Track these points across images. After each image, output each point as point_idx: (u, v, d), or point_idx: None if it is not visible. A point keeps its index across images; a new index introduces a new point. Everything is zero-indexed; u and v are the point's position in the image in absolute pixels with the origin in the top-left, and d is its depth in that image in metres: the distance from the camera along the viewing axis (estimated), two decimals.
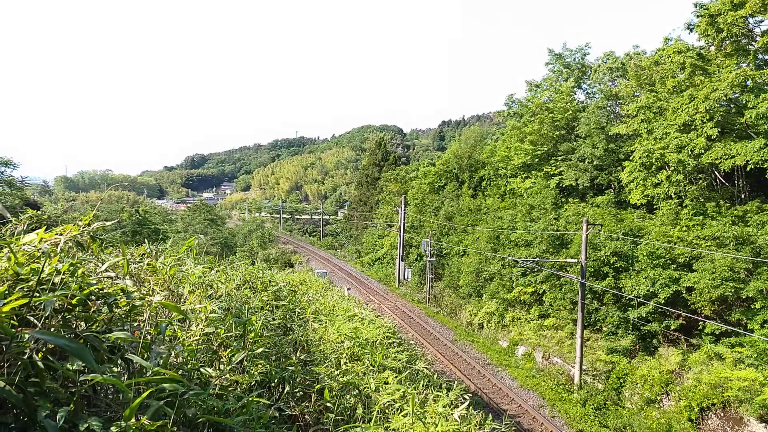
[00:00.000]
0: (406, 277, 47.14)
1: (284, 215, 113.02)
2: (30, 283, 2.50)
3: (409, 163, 77.38)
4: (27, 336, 2.15)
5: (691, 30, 24.57)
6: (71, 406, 2.13)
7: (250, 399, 3.47)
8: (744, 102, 22.54)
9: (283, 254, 61.15)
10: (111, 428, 2.12)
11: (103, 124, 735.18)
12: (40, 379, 2.14)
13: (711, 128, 22.34)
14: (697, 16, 24.05)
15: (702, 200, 24.20)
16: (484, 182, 45.38)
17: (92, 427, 2.02)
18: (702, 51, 24.77)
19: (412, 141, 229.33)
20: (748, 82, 22.29)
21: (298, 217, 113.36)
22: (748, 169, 22.23)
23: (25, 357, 2.13)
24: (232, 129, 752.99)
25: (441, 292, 40.02)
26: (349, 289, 38.39)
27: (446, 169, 50.23)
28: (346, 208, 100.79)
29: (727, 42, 22.78)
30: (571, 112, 35.48)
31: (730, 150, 21.96)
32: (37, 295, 2.39)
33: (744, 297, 19.96)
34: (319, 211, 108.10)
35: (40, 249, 2.94)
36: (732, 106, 23.30)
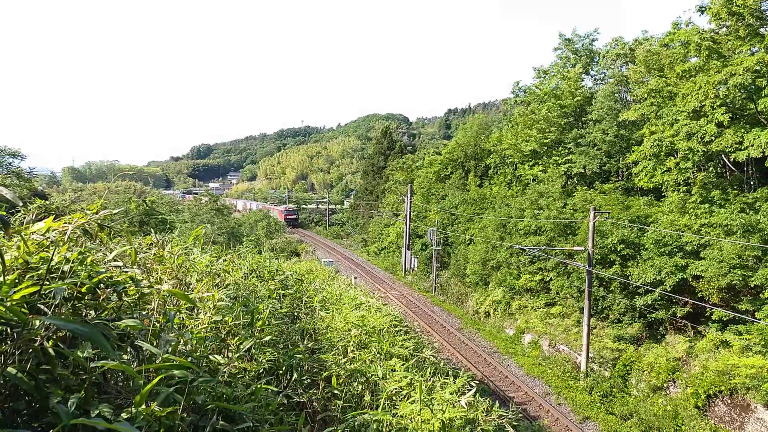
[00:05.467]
0: (412, 265, 47.21)
1: (290, 204, 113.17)
2: (40, 272, 2.52)
3: (415, 152, 77.03)
4: (38, 323, 2.17)
5: (702, 12, 24.09)
6: (82, 392, 2.15)
7: (259, 386, 3.50)
8: (755, 87, 22.16)
9: (289, 244, 61.31)
10: (122, 414, 2.14)
11: (110, 115, 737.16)
12: (51, 366, 2.16)
13: (722, 114, 22.01)
14: None
15: (710, 187, 23.95)
16: (491, 170, 45.17)
17: (103, 413, 2.04)
18: (713, 35, 24.32)
19: (418, 129, 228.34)
20: (759, 68, 21.86)
21: (304, 206, 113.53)
22: (766, 164, 21.90)
23: (37, 344, 2.15)
24: (238, 119, 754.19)
25: (447, 281, 40.08)
26: (355, 278, 38.51)
27: (452, 158, 50.02)
28: (352, 197, 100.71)
29: (740, 25, 22.31)
30: (579, 98, 35.15)
31: (741, 138, 21.64)
32: (47, 283, 2.40)
33: (752, 285, 19.84)
34: (325, 200, 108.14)
35: (49, 238, 2.95)
36: (743, 91, 22.92)
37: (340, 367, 5.36)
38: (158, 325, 2.99)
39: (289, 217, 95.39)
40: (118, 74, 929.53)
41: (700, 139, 23.07)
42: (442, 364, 8.85)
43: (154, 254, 4.88)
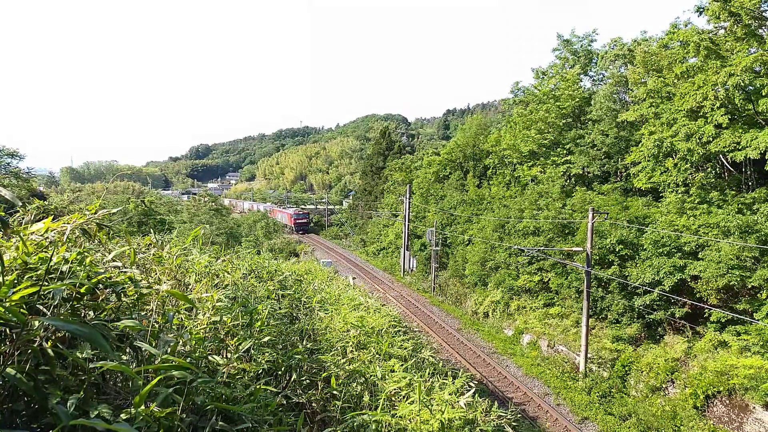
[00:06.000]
0: (411, 266, 47.21)
1: (289, 205, 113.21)
2: (39, 272, 2.51)
3: (414, 153, 77.04)
4: (37, 324, 2.16)
5: (701, 13, 24.13)
6: (81, 393, 2.15)
7: (258, 387, 3.50)
8: (754, 88, 22.19)
9: (288, 244, 61.33)
10: (121, 415, 2.14)
11: (108, 116, 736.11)
12: (50, 367, 2.16)
13: (721, 116, 22.03)
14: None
15: (709, 188, 23.99)
16: (489, 171, 45.19)
17: (102, 413, 2.04)
18: (712, 36, 24.38)
19: (417, 130, 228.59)
20: (758, 68, 21.90)
21: (303, 207, 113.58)
22: (767, 167, 21.91)
23: (36, 345, 2.14)
24: (236, 119, 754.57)
25: (446, 282, 40.09)
26: (354, 278, 38.50)
27: (451, 159, 50.04)
28: (351, 197, 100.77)
29: (738, 26, 22.35)
30: (577, 99, 35.19)
31: (739, 138, 21.68)
32: (46, 283, 2.40)
33: (750, 286, 19.87)
34: (323, 200, 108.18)
35: (48, 238, 2.95)
36: (741, 92, 22.97)
37: (339, 367, 5.36)
38: (157, 325, 2.99)
39: (300, 221, 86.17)
40: (116, 74, 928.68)
41: (698, 140, 23.10)
42: (440, 364, 8.86)
43: (153, 255, 4.88)
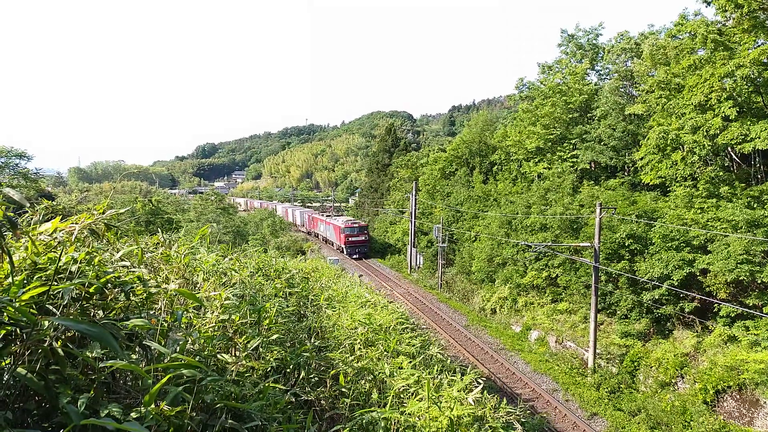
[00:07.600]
0: (417, 263, 47.17)
1: (296, 203, 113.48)
2: (48, 272, 2.52)
3: (419, 149, 76.89)
4: (47, 324, 2.17)
5: (709, 4, 23.87)
6: (91, 392, 2.16)
7: (267, 385, 3.50)
8: (762, 80, 21.94)
9: (294, 242, 61.36)
10: (131, 414, 2.15)
11: (115, 116, 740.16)
12: (60, 367, 2.16)
13: (729, 108, 21.81)
14: None
15: (717, 181, 23.76)
16: (495, 167, 45.03)
17: (113, 413, 2.04)
18: (720, 27, 24.12)
19: (422, 127, 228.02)
20: (766, 60, 21.66)
21: (309, 204, 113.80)
22: None
23: (46, 345, 2.15)
24: (242, 117, 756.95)
25: (453, 278, 40.02)
26: (361, 275, 38.51)
27: (456, 155, 49.89)
28: (357, 195, 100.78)
29: (745, 18, 22.08)
30: (585, 95, 34.93)
31: (748, 131, 21.45)
32: (56, 283, 2.40)
33: (760, 281, 19.67)
34: (330, 198, 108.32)
35: (56, 238, 2.96)
36: (749, 84, 22.72)
37: (347, 365, 5.36)
38: (166, 324, 2.99)
39: (355, 240, 53.91)
40: (123, 74, 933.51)
41: (705, 133, 22.88)
42: (448, 361, 8.84)
43: (161, 254, 4.89)
